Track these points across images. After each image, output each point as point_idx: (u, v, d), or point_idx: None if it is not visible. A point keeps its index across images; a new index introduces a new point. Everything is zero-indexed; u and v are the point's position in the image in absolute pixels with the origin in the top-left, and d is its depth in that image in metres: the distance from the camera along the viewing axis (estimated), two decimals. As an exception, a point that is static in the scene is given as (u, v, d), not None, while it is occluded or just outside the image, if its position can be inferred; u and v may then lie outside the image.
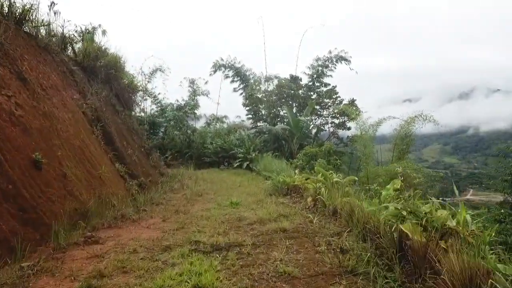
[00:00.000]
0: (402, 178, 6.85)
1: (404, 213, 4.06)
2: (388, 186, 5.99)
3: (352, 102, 21.51)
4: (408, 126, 15.05)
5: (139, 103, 20.77)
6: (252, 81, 24.18)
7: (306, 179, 8.49)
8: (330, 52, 22.93)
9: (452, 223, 3.54)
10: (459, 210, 3.71)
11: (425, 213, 3.80)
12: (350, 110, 18.33)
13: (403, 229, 3.63)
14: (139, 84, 19.49)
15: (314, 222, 5.92)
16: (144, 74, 20.94)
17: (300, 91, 23.42)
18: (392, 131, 16.61)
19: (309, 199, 7.31)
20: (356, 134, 20.01)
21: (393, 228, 3.85)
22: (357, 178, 8.77)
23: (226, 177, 15.18)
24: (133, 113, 16.46)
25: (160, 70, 21.16)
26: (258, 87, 23.84)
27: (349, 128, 22.43)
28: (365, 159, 15.72)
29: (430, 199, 4.37)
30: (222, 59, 24.40)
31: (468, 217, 3.34)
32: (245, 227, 5.85)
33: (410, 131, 15.09)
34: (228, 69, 24.60)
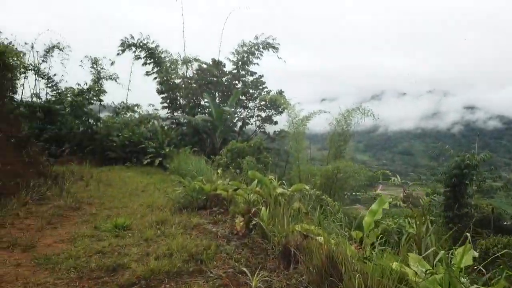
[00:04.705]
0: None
1: None
2: (373, 207, 3.67)
3: (280, 93, 19.34)
4: (346, 120, 13.37)
5: (31, 87, 16.88)
6: (168, 64, 20.57)
7: (236, 190, 5.85)
8: (256, 37, 20.43)
9: None
10: None
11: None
12: (281, 100, 16.23)
13: None
14: (27, 62, 15.74)
15: (256, 279, 3.21)
16: (37, 52, 16.96)
17: (224, 79, 20.68)
18: (323, 129, 15.06)
19: (239, 220, 4.70)
20: (284, 130, 18.14)
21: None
22: (307, 187, 6.37)
23: (130, 177, 11.89)
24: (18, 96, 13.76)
25: (57, 48, 17.25)
26: (175, 71, 20.46)
27: (275, 123, 20.42)
28: (297, 155, 13.76)
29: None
30: (132, 37, 20.39)
31: None
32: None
33: (348, 125, 13.41)
34: (140, 49, 20.65)
